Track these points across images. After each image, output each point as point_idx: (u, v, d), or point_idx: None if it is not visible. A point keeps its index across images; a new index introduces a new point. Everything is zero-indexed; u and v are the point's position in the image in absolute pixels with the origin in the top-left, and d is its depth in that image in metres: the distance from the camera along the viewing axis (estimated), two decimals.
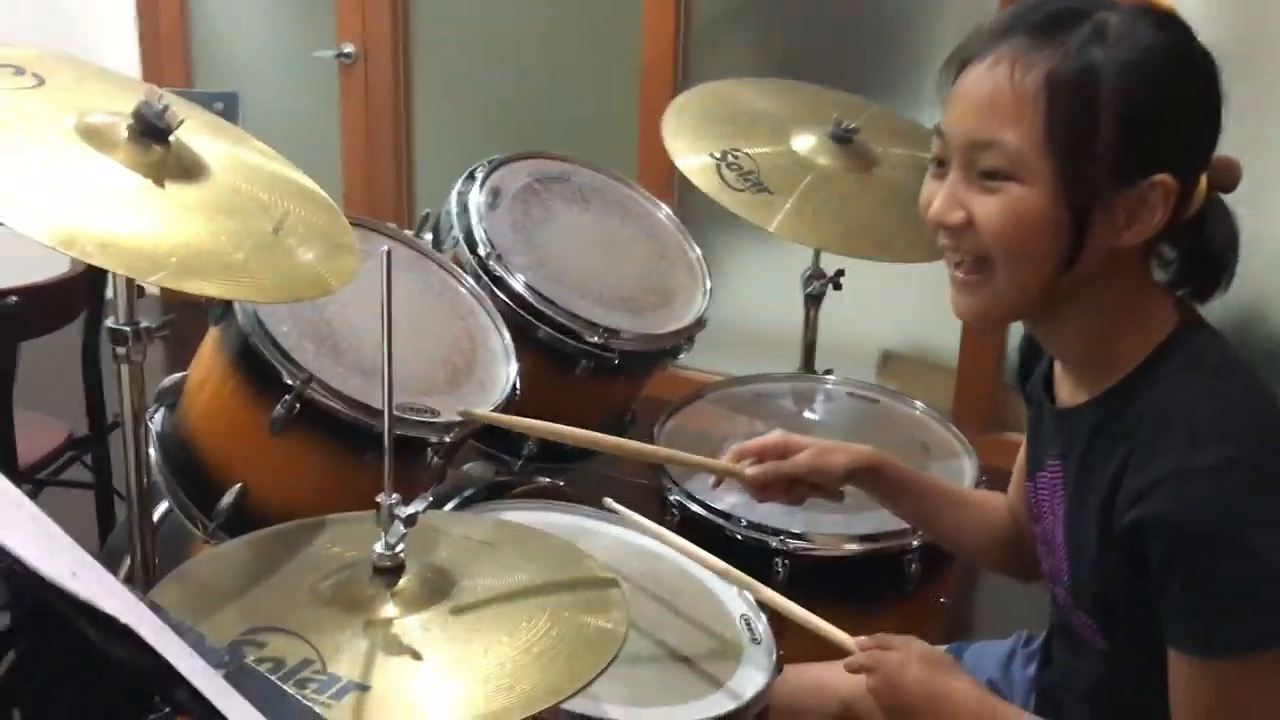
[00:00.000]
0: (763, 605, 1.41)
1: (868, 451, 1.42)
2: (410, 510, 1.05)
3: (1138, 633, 1.10)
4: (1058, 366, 1.21)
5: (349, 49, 3.60)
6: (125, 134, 1.20)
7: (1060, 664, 1.29)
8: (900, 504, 1.46)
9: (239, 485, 1.49)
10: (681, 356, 1.91)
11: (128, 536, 1.42)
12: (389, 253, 1.00)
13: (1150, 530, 1.02)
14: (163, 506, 1.66)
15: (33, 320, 2.04)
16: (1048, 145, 1.02)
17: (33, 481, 2.61)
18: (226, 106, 2.70)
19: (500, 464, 1.88)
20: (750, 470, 1.43)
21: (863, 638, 1.28)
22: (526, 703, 0.94)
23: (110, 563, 1.67)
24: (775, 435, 1.44)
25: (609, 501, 1.45)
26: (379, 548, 1.06)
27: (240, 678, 0.82)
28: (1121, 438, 1.07)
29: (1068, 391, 1.17)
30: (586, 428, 1.91)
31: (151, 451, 1.56)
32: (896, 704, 1.23)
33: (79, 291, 2.18)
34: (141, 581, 1.41)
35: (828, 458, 1.40)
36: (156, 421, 1.58)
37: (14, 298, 2.00)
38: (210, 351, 1.52)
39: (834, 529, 1.66)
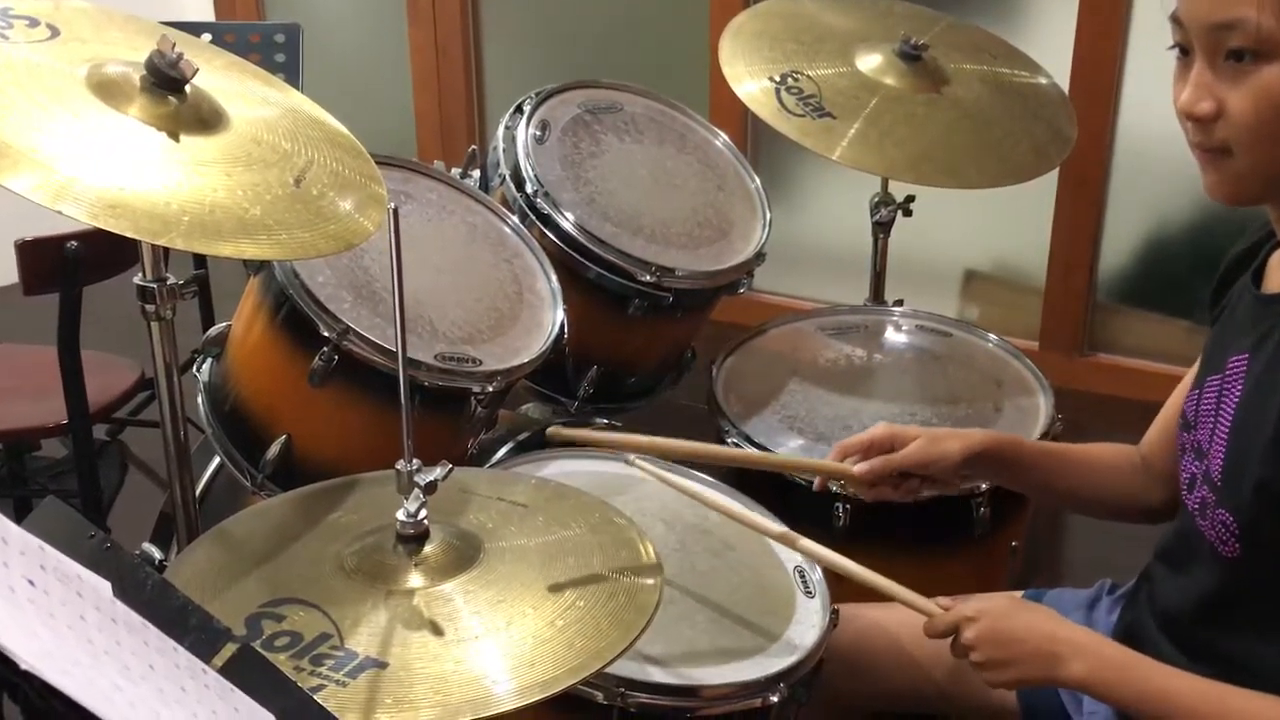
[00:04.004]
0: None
1: (981, 436, 1.36)
2: (430, 478, 1.01)
3: None
4: (1275, 259, 1.16)
5: None
6: (139, 85, 1.16)
7: (1158, 595, 1.23)
8: (1020, 480, 1.41)
9: (284, 437, 1.47)
10: (742, 290, 1.84)
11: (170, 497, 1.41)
12: (395, 210, 0.95)
13: None
14: (217, 460, 1.66)
15: (96, 264, 2.05)
16: None
17: (110, 421, 2.66)
18: (288, 38, 2.68)
19: (557, 405, 1.84)
20: (858, 468, 1.36)
21: (942, 598, 1.21)
22: (546, 683, 0.90)
23: (166, 527, 1.68)
24: (879, 428, 1.36)
25: (633, 458, 1.39)
26: (401, 515, 1.03)
27: (242, 665, 0.80)
28: None
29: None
30: (644, 367, 1.88)
31: (199, 400, 1.55)
32: (1004, 655, 1.15)
33: None
34: (184, 539, 1.40)
35: (939, 446, 1.33)
36: (204, 372, 1.57)
37: (75, 243, 2.01)
38: (251, 302, 1.49)
39: None
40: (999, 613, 1.16)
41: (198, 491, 1.61)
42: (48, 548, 0.65)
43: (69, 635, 0.60)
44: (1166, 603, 1.21)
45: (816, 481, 1.45)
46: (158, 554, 1.67)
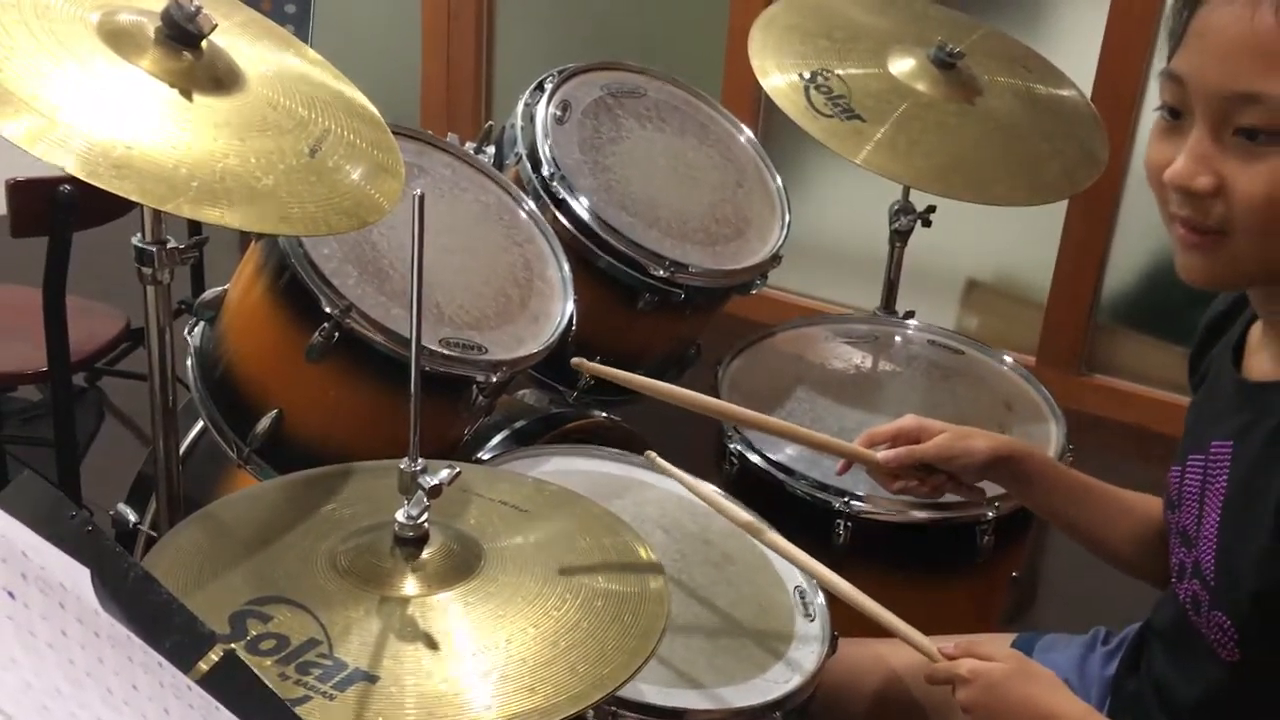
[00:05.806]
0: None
1: (1011, 440, 1.32)
2: (435, 480, 0.96)
3: None
4: (1254, 337, 1.06)
5: None
6: (153, 37, 1.10)
7: (1158, 674, 1.17)
8: (1041, 499, 1.33)
9: (276, 411, 1.41)
10: (754, 291, 1.79)
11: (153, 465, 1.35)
12: (421, 197, 0.89)
13: None
14: (199, 425, 1.60)
15: (87, 209, 1.98)
16: None
17: (92, 370, 2.59)
18: None
19: (555, 394, 1.79)
20: (882, 455, 1.32)
21: (947, 645, 1.15)
22: (546, 710, 0.85)
23: (143, 488, 1.62)
24: (908, 419, 1.32)
25: (652, 455, 1.33)
26: (401, 517, 0.98)
27: (225, 675, 0.75)
28: None
29: (1266, 365, 1.03)
30: (647, 362, 1.83)
31: (189, 364, 1.49)
32: None
33: None
34: (166, 516, 1.34)
35: (966, 442, 1.29)
36: (195, 335, 1.51)
37: (68, 187, 1.94)
38: (251, 269, 1.43)
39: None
40: (994, 680, 1.09)
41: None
42: (30, 553, 0.60)
43: (50, 656, 0.54)
44: (1166, 684, 1.15)
45: (839, 464, 1.41)
46: (132, 516, 1.61)
